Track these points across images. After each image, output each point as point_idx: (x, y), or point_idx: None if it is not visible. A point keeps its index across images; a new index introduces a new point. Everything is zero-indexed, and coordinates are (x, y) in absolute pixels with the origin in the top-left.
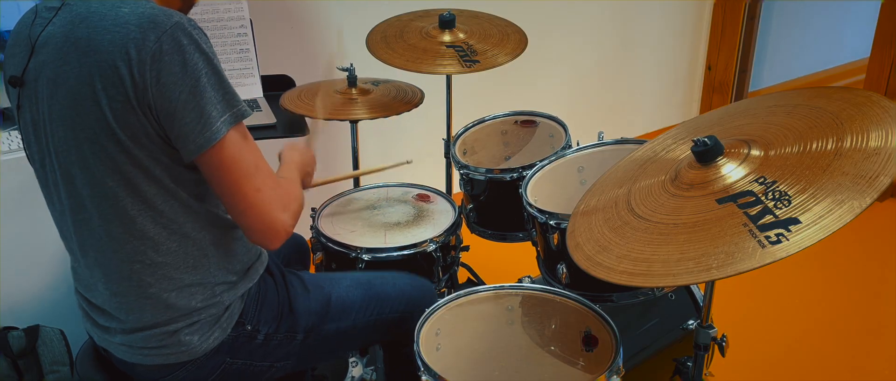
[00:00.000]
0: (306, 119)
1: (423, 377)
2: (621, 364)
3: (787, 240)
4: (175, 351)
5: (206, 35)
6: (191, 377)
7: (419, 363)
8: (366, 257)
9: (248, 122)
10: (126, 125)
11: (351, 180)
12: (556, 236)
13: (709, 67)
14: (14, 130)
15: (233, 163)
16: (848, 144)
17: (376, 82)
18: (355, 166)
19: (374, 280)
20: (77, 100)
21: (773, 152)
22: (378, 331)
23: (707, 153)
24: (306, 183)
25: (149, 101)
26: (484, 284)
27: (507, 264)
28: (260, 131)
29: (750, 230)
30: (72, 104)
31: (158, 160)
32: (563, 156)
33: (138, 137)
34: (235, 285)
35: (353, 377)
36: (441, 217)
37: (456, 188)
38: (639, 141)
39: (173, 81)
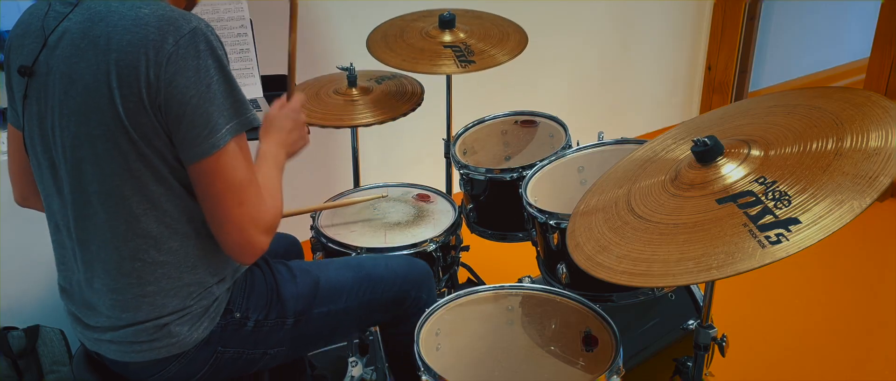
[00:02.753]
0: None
1: (423, 377)
2: (621, 364)
3: (787, 240)
4: (166, 344)
5: (221, 41)
6: (184, 370)
7: (419, 363)
8: None
9: None
10: (138, 124)
11: (350, 181)
12: (556, 236)
13: (709, 67)
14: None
15: (224, 174)
16: (848, 144)
17: (380, 79)
18: (355, 166)
19: (364, 262)
20: (92, 96)
21: (773, 152)
22: (373, 312)
23: (707, 153)
24: (294, 150)
25: (160, 102)
26: (484, 284)
27: (507, 264)
28: (259, 131)
29: (750, 230)
30: (86, 100)
31: (166, 161)
32: (563, 156)
33: (149, 137)
34: (224, 279)
35: (352, 376)
36: (441, 217)
37: (456, 188)
38: (639, 141)
39: (186, 85)
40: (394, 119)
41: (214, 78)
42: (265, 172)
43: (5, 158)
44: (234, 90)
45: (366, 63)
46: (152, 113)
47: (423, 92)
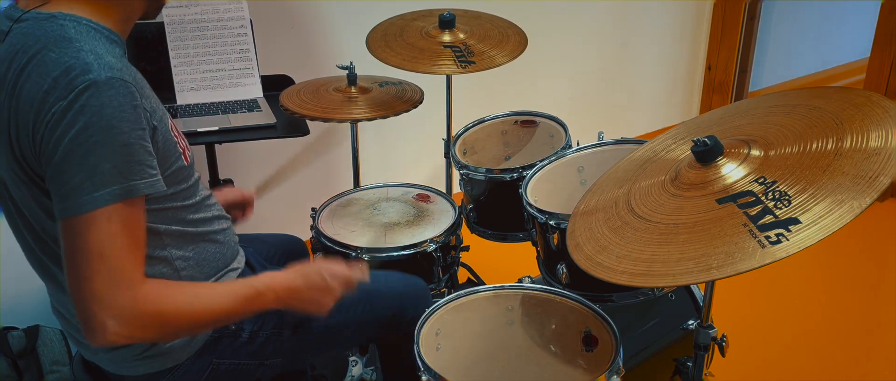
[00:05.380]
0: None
1: (423, 377)
2: (621, 364)
3: (787, 240)
4: (159, 358)
5: (130, 93)
6: None
7: (419, 363)
8: (366, 257)
9: (249, 122)
10: (40, 177)
11: (351, 181)
12: (556, 236)
13: (709, 67)
14: None
15: (79, 239)
16: (848, 144)
17: (384, 83)
18: (355, 166)
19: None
20: (5, 137)
21: (773, 152)
22: (371, 329)
23: (707, 153)
24: (296, 306)
25: (42, 162)
26: (484, 284)
27: (507, 264)
28: (260, 131)
29: (750, 230)
30: (3, 140)
31: None
32: (563, 156)
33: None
34: None
35: (352, 376)
36: (441, 217)
37: (456, 188)
38: (639, 141)
39: (58, 141)
40: (386, 117)
41: (96, 141)
42: (213, 289)
43: None
44: (115, 153)
45: (367, 64)
46: (44, 168)
47: (422, 97)
